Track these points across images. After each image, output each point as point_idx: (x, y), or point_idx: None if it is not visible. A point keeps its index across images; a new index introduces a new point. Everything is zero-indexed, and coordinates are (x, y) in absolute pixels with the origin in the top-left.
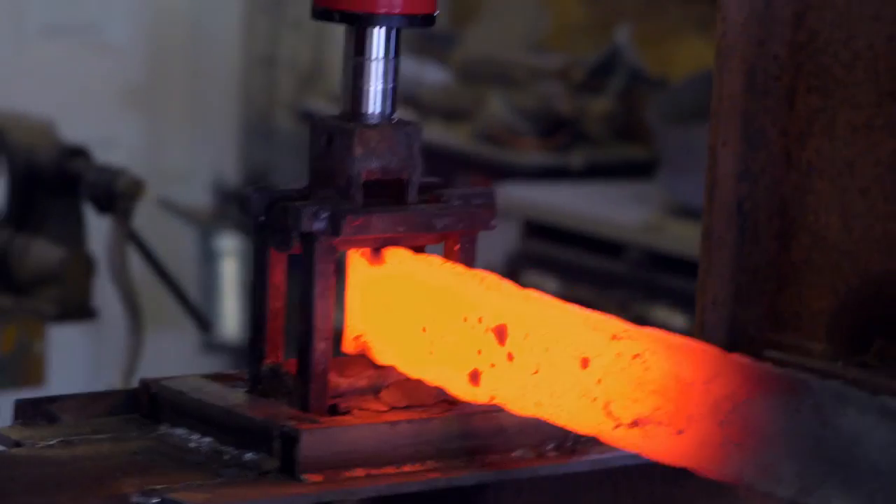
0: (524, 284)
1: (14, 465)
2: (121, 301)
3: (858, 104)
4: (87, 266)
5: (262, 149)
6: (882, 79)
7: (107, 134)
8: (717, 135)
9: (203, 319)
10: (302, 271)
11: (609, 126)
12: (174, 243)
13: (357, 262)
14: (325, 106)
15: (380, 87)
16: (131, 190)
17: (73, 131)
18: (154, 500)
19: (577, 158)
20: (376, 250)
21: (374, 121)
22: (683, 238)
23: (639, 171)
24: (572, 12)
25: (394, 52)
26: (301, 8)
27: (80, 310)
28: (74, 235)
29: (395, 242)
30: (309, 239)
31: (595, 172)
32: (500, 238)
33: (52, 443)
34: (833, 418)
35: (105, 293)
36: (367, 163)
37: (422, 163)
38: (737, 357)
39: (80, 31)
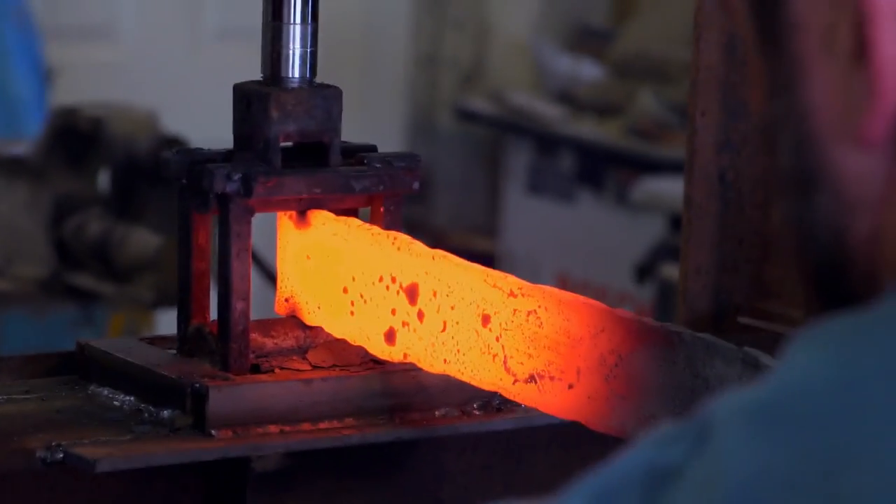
0: (665, 278)
1: None
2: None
3: None
4: None
5: (424, 146)
6: None
7: None
8: (695, 105)
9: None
10: (221, 236)
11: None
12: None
13: (285, 225)
14: (486, 105)
15: (298, 51)
16: None
17: None
18: (58, 455)
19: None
20: (301, 213)
21: (292, 84)
22: None
23: None
24: None
25: (311, 16)
26: (463, 8)
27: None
28: (171, 223)
29: (318, 205)
30: (224, 200)
31: None
32: (646, 230)
33: None
34: (703, 369)
35: None
36: (283, 126)
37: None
38: (620, 312)
39: (253, 33)
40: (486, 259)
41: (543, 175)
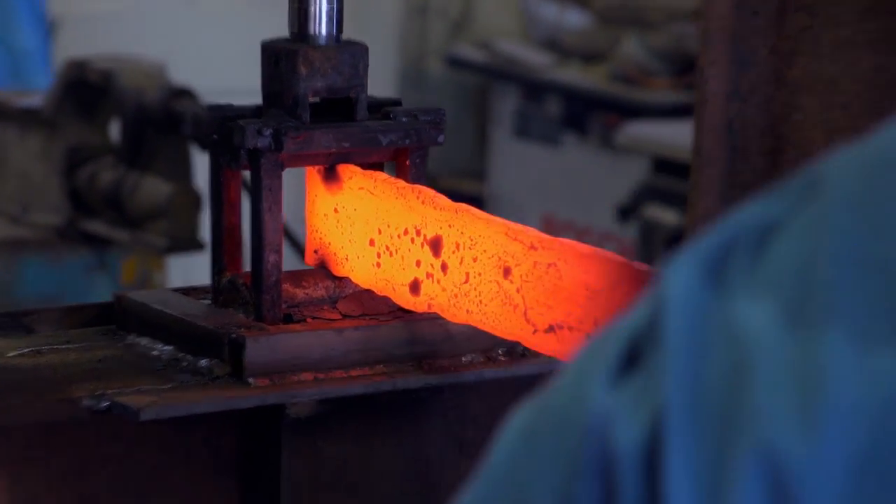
0: (647, 218)
1: None
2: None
3: (841, 21)
4: (193, 200)
5: (415, 93)
6: None
7: None
8: (705, 55)
9: (299, 245)
10: (253, 190)
11: None
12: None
13: (314, 179)
14: (474, 52)
15: (324, 8)
16: None
17: (246, 80)
18: (104, 404)
19: None
20: (330, 167)
21: (319, 42)
22: None
23: None
24: None
25: None
26: None
27: (188, 242)
28: (181, 171)
29: (345, 159)
30: (255, 155)
31: None
32: (629, 173)
33: (22, 352)
34: None
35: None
36: (311, 82)
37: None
38: (637, 265)
39: None
40: (474, 201)
41: (530, 120)
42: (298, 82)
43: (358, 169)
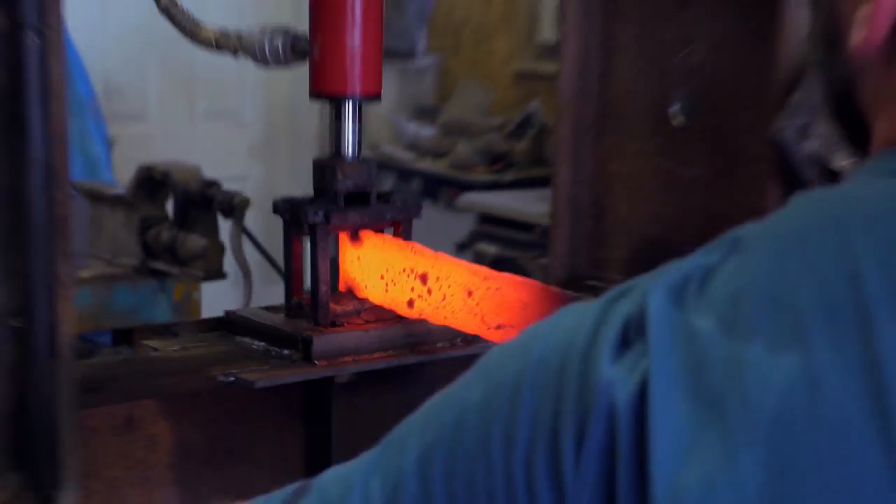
0: (478, 251)
1: (152, 361)
2: (239, 269)
3: (637, 137)
4: (219, 249)
5: None
6: (649, 124)
7: (242, 174)
8: (558, 159)
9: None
10: (311, 248)
11: (527, 157)
12: (275, 234)
13: (344, 240)
14: (366, 152)
15: (350, 138)
16: (242, 203)
17: (221, 172)
18: (230, 378)
19: (508, 176)
20: (355, 232)
21: (348, 159)
22: None
23: (544, 183)
24: (506, 92)
25: (358, 117)
26: None
27: (216, 273)
28: (212, 232)
29: (365, 227)
30: (312, 227)
31: (519, 185)
32: (464, 224)
33: (174, 348)
34: None
35: (231, 265)
36: (344, 183)
37: (382, 180)
38: (552, 288)
39: (227, 114)
40: None
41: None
42: (336, 183)
43: (372, 233)
